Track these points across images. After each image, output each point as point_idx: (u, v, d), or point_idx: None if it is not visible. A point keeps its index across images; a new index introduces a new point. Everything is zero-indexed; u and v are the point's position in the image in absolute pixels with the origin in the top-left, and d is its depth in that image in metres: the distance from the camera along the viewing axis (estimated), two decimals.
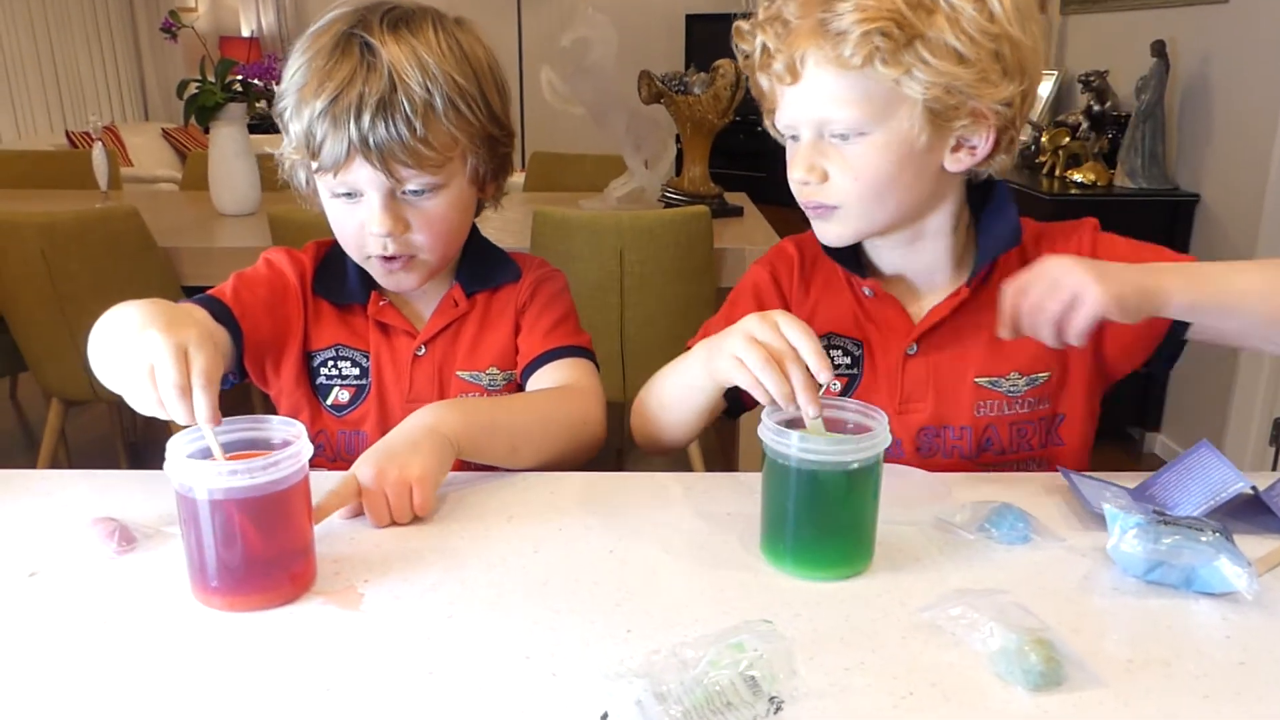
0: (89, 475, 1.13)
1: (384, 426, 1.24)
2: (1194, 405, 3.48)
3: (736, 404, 1.22)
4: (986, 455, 1.22)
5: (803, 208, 1.16)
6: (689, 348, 1.28)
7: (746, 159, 6.86)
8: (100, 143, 3.42)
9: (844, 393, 1.24)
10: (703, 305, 2.69)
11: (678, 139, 3.24)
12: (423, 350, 1.26)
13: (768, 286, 1.28)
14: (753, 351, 0.95)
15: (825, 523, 0.92)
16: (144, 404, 0.86)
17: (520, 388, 1.29)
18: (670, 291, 2.66)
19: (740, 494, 1.10)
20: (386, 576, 0.91)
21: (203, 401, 0.85)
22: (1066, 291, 0.97)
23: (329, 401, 1.25)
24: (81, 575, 0.91)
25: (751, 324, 0.97)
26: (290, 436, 0.89)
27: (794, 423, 0.95)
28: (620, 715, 0.71)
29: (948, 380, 1.21)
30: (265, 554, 0.85)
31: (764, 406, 0.95)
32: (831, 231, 1.15)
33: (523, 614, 0.86)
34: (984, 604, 0.83)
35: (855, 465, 0.89)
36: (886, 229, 1.15)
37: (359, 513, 1.01)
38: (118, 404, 3.36)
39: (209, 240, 2.91)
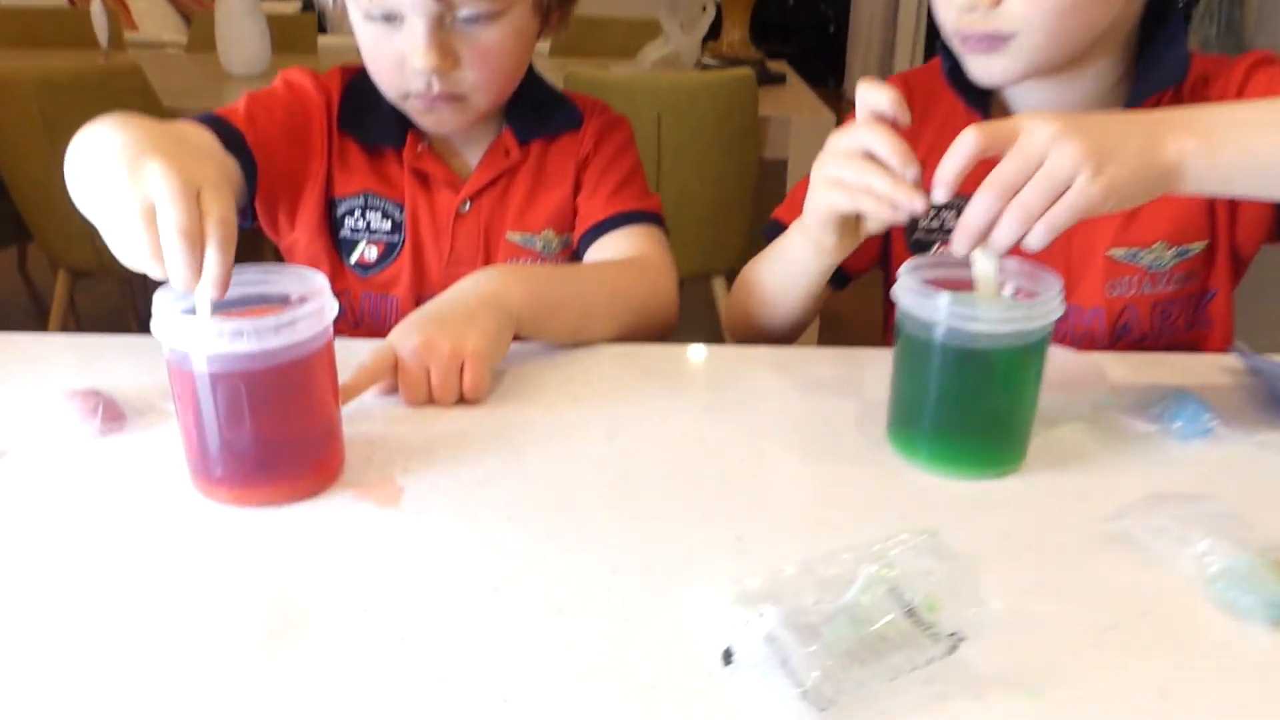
0: (74, 340, 0.96)
1: (418, 293, 1.06)
2: None
3: (840, 274, 1.03)
4: (1122, 343, 1.03)
5: (955, 43, 0.94)
6: (775, 218, 1.09)
7: (779, 31, 6.47)
8: None
9: None
10: (743, 178, 2.49)
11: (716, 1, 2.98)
12: (467, 206, 1.07)
13: None
14: (845, 164, 0.78)
15: (978, 407, 0.74)
16: (134, 254, 0.66)
17: (575, 257, 1.10)
18: (709, 162, 2.45)
19: (852, 370, 0.92)
20: (430, 467, 0.74)
21: (216, 262, 0.64)
22: (1052, 174, 0.69)
23: (353, 259, 1.06)
24: (56, 459, 0.74)
25: (832, 141, 0.80)
26: (310, 290, 0.70)
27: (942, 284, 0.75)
28: (747, 652, 0.54)
29: (1076, 252, 1.01)
30: (281, 436, 0.68)
31: (903, 265, 0.76)
32: (998, 67, 0.92)
33: (601, 516, 0.69)
34: (1190, 514, 0.66)
35: (1021, 337, 0.70)
36: (1062, 62, 0.93)
37: (392, 390, 0.84)
38: (128, 277, 3.21)
39: (217, 102, 2.62)
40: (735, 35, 2.99)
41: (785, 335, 1.04)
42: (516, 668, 0.55)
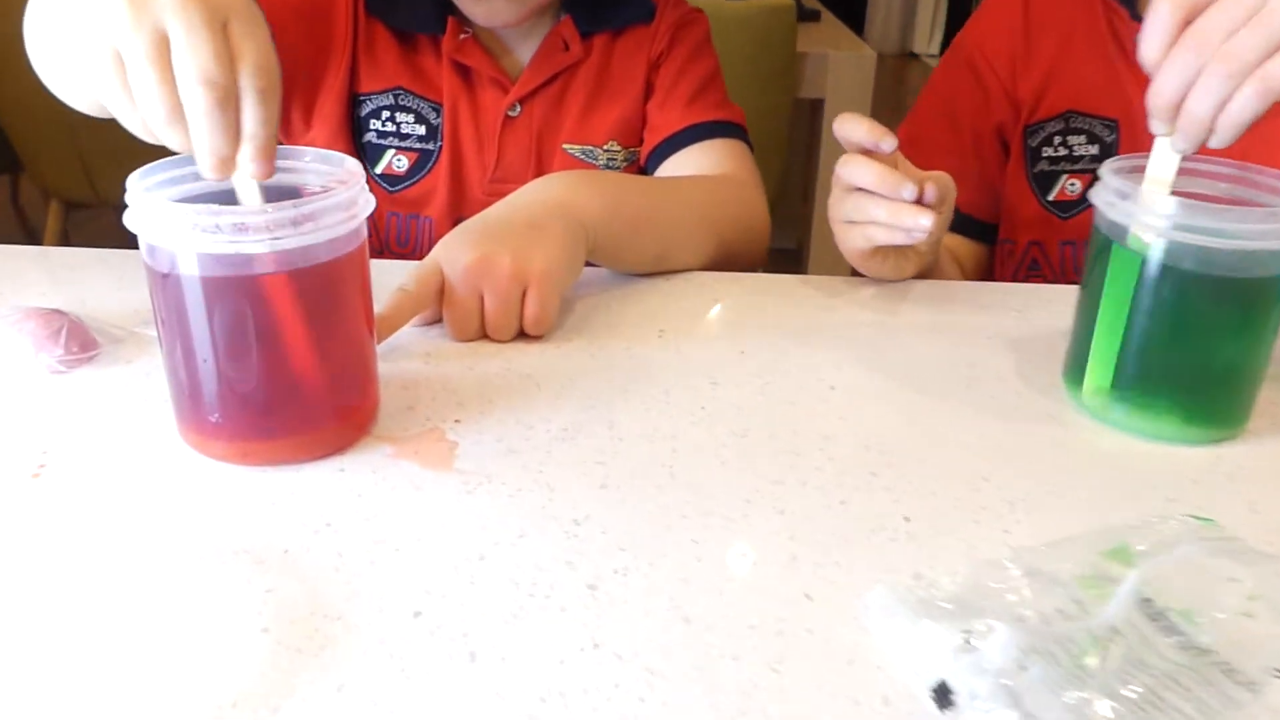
0: (41, 254, 0.79)
1: (456, 214, 0.89)
2: None
3: (983, 229, 0.91)
4: None
5: None
6: None
7: None
8: None
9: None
10: (778, 118, 2.35)
11: None
12: (517, 110, 0.89)
13: (966, 89, 0.93)
14: (845, 204, 0.73)
15: (1208, 351, 0.57)
16: (141, 116, 0.46)
17: (643, 174, 0.93)
18: (741, 99, 2.29)
19: (995, 304, 0.74)
20: (487, 416, 0.57)
21: (258, 123, 0.46)
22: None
23: (380, 169, 0.89)
24: (4, 398, 0.58)
25: (833, 183, 0.75)
26: (337, 177, 0.53)
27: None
28: (970, 691, 0.38)
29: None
30: (298, 372, 0.51)
31: (1105, 164, 0.58)
32: None
33: (720, 485, 0.52)
34: None
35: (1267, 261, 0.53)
36: None
37: (435, 320, 0.67)
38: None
39: None
40: None
41: None
42: (634, 713, 0.38)
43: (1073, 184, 0.89)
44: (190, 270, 0.47)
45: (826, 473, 0.53)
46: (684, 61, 0.93)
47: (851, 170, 0.71)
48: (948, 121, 0.94)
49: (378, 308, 0.59)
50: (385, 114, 0.87)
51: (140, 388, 0.59)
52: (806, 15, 2.88)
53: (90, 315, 0.64)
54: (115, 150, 2.39)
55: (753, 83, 2.30)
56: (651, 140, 0.91)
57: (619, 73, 0.92)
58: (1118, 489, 0.53)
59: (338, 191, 0.49)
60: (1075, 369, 0.61)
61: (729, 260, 0.82)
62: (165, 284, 0.49)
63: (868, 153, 0.70)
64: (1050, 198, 0.90)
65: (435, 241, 0.72)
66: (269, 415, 0.51)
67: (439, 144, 0.88)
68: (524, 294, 0.64)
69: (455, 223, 0.88)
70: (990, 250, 0.96)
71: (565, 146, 0.90)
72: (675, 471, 0.53)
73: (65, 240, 2.63)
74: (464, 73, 0.88)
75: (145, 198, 0.47)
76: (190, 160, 0.49)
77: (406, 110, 0.87)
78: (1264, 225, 0.52)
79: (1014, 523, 0.49)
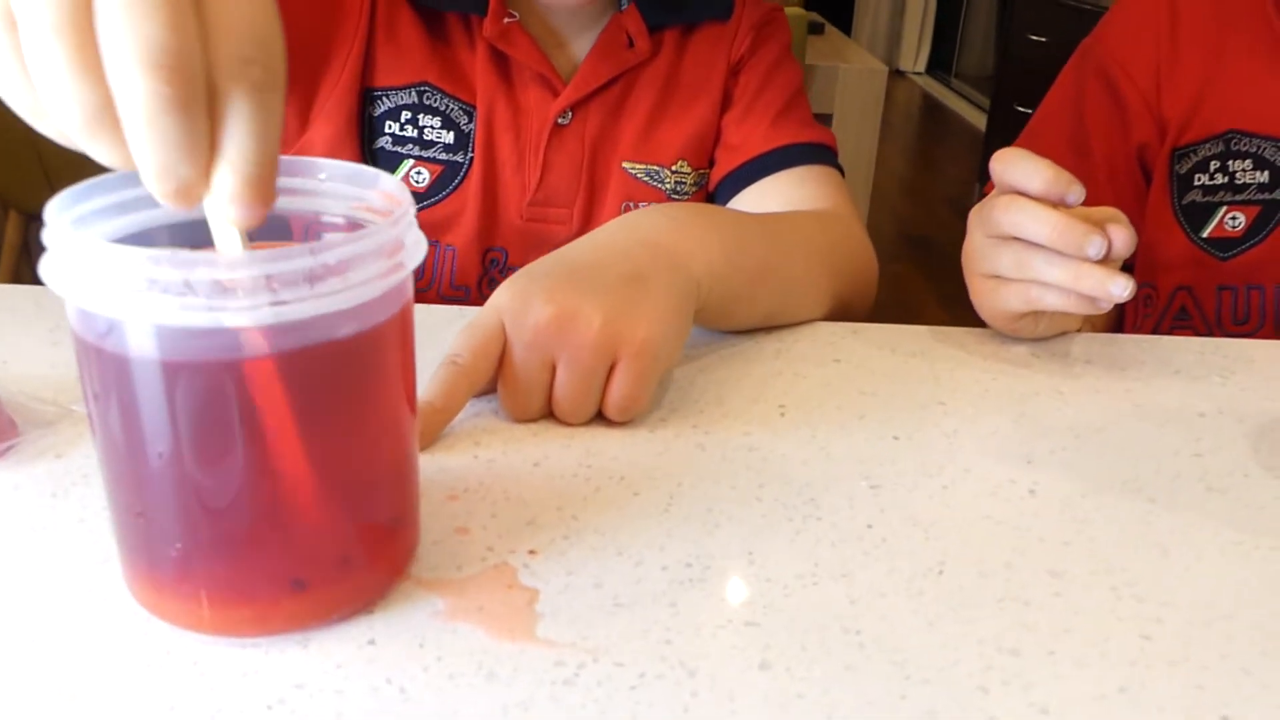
0: None
1: (486, 241, 0.72)
2: None
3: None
4: None
5: None
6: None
7: None
8: None
9: (1254, 235, 0.73)
10: None
11: None
12: (568, 117, 0.72)
13: (1099, 106, 0.77)
14: (998, 257, 0.57)
15: None
16: (43, 107, 0.28)
17: (711, 202, 0.76)
18: None
19: (1191, 365, 0.58)
20: (573, 542, 0.40)
21: (249, 133, 0.28)
22: None
23: None
24: None
25: (972, 225, 0.60)
26: (369, 205, 0.36)
27: None
28: None
29: None
30: (304, 494, 0.34)
31: None
32: None
33: (932, 656, 0.35)
34: None
35: None
36: None
37: (487, 390, 0.49)
38: None
39: None
40: None
41: None
42: None
43: (1234, 218, 0.73)
44: (143, 348, 0.30)
45: (1076, 632, 0.37)
46: (768, 69, 0.76)
47: (1016, 218, 0.54)
48: (1073, 145, 0.78)
49: (427, 358, 0.41)
50: (405, 115, 0.70)
51: (77, 497, 0.41)
52: (812, 28, 2.75)
53: (9, 384, 0.46)
54: (79, 157, 2.22)
55: None
56: (729, 162, 0.75)
57: (691, 78, 0.75)
58: None
59: (377, 229, 0.32)
60: None
61: (841, 314, 0.65)
62: (101, 349, 0.31)
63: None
64: (1204, 234, 0.74)
65: (461, 273, 0.56)
66: (257, 553, 0.34)
67: (470, 155, 0.71)
68: (611, 368, 0.47)
69: (484, 254, 0.71)
70: None
71: (626, 165, 0.73)
72: (863, 636, 0.36)
73: (27, 255, 2.44)
74: (504, 67, 0.71)
75: (70, 236, 0.30)
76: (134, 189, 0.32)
77: (432, 111, 0.70)
78: None
79: None
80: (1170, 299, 0.77)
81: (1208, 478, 0.47)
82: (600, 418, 0.49)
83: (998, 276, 0.57)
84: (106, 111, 0.26)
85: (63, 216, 0.32)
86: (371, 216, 0.36)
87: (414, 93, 0.69)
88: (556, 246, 0.74)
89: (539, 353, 0.46)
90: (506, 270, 0.74)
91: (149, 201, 0.34)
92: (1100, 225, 0.52)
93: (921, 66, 6.23)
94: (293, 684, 0.33)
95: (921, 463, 0.47)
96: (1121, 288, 0.52)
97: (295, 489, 0.33)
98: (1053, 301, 0.54)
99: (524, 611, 0.36)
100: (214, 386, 0.31)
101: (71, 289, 0.30)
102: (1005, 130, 3.57)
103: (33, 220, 2.44)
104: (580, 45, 0.73)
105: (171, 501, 0.32)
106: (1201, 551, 0.42)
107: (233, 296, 0.29)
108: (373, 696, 0.32)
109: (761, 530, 0.42)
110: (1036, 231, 0.53)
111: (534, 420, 0.49)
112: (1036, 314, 0.58)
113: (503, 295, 0.47)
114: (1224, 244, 0.74)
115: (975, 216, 0.58)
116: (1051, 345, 0.61)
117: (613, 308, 0.46)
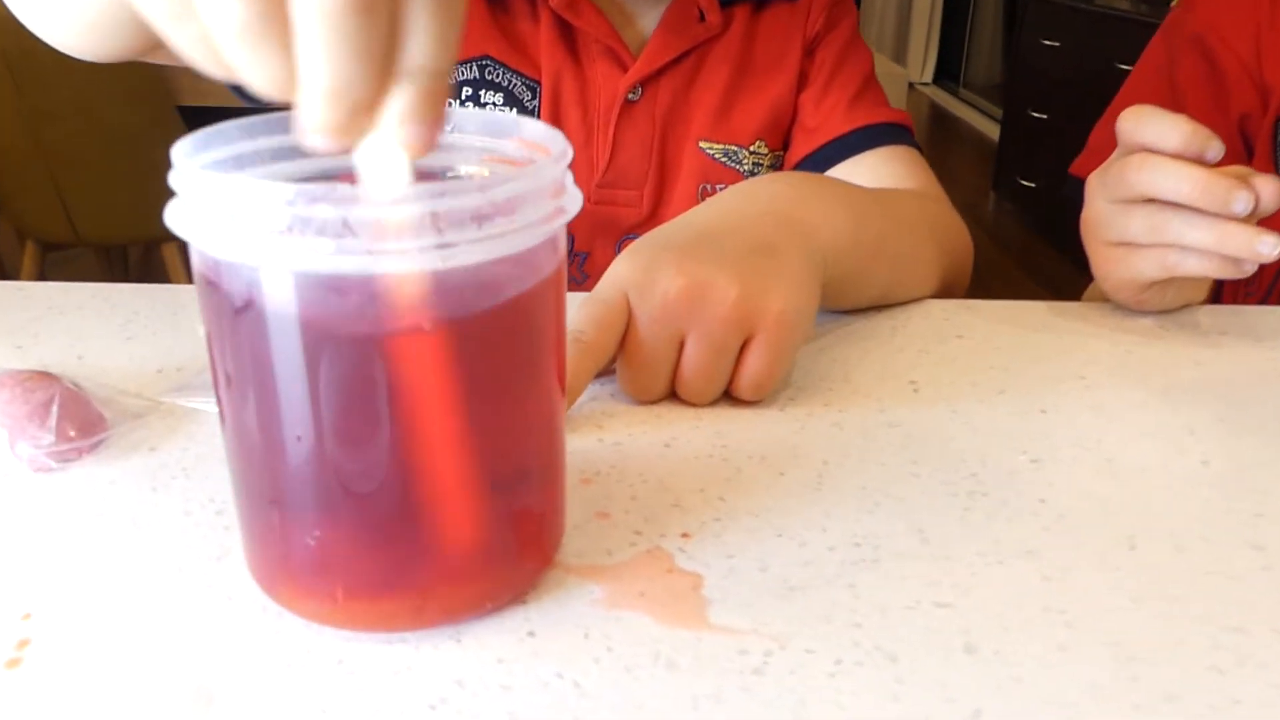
0: (18, 290, 0.57)
1: None
2: None
3: None
4: None
5: None
6: (1075, 174, 0.74)
7: None
8: None
9: None
10: None
11: None
12: (639, 92, 0.69)
13: (1195, 76, 0.74)
14: (1127, 221, 0.53)
15: None
16: (194, 18, 0.24)
17: None
18: None
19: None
20: (726, 524, 0.37)
21: (435, 37, 0.24)
22: None
23: None
24: None
25: (1093, 191, 0.56)
26: (512, 156, 0.33)
27: None
28: None
29: None
30: (458, 472, 0.30)
31: None
32: None
33: (1151, 646, 0.32)
34: None
35: None
36: None
37: (606, 370, 0.46)
38: (106, 249, 2.81)
39: None
40: None
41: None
42: None
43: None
44: (282, 301, 0.27)
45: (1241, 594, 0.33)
46: (843, 48, 0.74)
47: (1151, 176, 0.50)
48: None
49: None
50: (465, 91, 0.67)
51: (179, 490, 0.38)
52: None
53: (92, 378, 0.43)
54: (96, 187, 2.19)
55: None
56: (809, 143, 0.72)
57: (766, 53, 0.72)
58: None
59: (542, 165, 0.28)
60: None
61: (945, 294, 0.62)
62: (237, 324, 0.28)
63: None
64: None
65: None
66: (403, 541, 0.30)
67: None
68: (745, 344, 0.44)
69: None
70: None
71: (703, 145, 0.70)
72: (1068, 615, 0.32)
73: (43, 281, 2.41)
74: (570, 40, 0.68)
75: (207, 176, 0.27)
76: (279, 125, 0.29)
77: (494, 87, 0.67)
78: None
79: None
80: (1276, 279, 0.73)
81: None
82: (725, 398, 0.45)
83: (1127, 243, 0.53)
84: (276, 12, 0.23)
85: (193, 156, 0.28)
86: (510, 169, 0.33)
87: (475, 67, 0.66)
88: (626, 231, 0.71)
89: (668, 327, 0.43)
90: (574, 256, 0.71)
91: (282, 153, 0.31)
92: (1243, 179, 0.49)
93: (929, 77, 6.22)
94: (453, 680, 0.29)
95: (1078, 436, 0.44)
96: (1271, 246, 0.48)
97: (447, 471, 0.30)
98: (1192, 266, 0.51)
99: (690, 597, 0.33)
100: (362, 353, 0.28)
101: (205, 234, 0.27)
102: (1019, 136, 3.54)
103: (49, 250, 2.42)
104: (649, 19, 0.70)
105: (318, 503, 0.29)
106: None
107: (393, 239, 0.26)
108: (544, 691, 0.29)
109: (927, 508, 0.38)
110: (1175, 189, 0.49)
111: (657, 401, 0.45)
112: (1165, 283, 0.55)
113: (625, 266, 0.44)
114: None
115: (1096, 181, 0.55)
116: (1178, 317, 0.57)
117: (746, 280, 0.43)
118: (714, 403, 0.45)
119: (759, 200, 0.49)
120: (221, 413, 0.30)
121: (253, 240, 0.26)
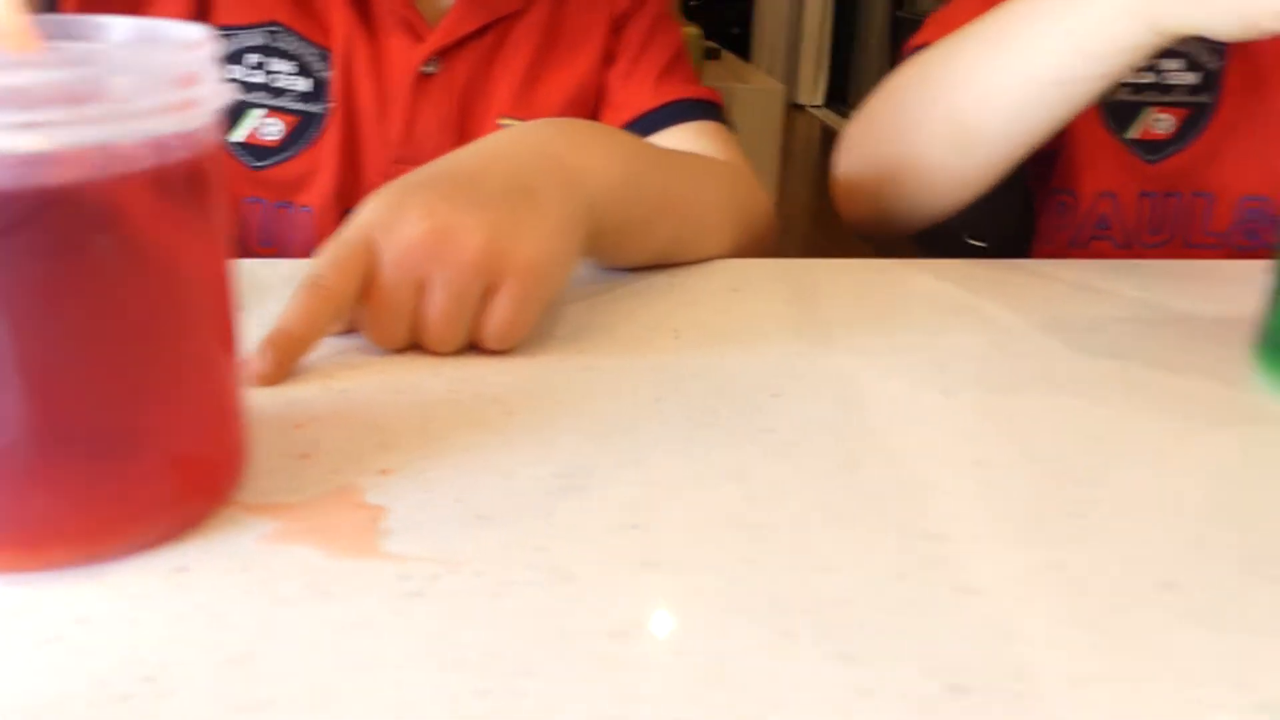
0: None
1: (345, 202, 0.66)
2: None
3: None
4: None
5: None
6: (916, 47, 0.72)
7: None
8: None
9: (1181, 139, 0.71)
10: None
11: None
12: (434, 66, 0.67)
13: None
14: None
15: None
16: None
17: None
18: None
19: (1108, 289, 0.55)
20: (435, 460, 0.35)
21: None
22: None
23: (241, 135, 0.65)
24: None
25: None
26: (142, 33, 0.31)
27: None
28: None
29: None
30: (93, 397, 0.28)
31: None
32: None
33: (843, 552, 0.31)
34: None
35: None
36: None
37: (347, 326, 0.44)
38: None
39: None
40: None
41: (956, 204, 0.62)
42: None
43: (1161, 119, 0.70)
44: None
45: (1007, 519, 0.33)
46: (651, 25, 0.73)
47: None
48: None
49: (272, 313, 0.36)
50: (253, 58, 0.64)
51: None
52: (707, 54, 2.78)
53: None
54: None
55: None
56: (616, 120, 0.71)
57: (571, 31, 0.71)
58: None
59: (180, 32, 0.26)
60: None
61: (742, 254, 0.61)
62: None
63: None
64: (1131, 135, 0.71)
65: (319, 238, 0.50)
66: (38, 464, 0.28)
67: (323, 106, 0.65)
68: (491, 292, 0.42)
69: (344, 215, 0.66)
70: (1025, 204, 0.75)
71: (502, 121, 0.68)
72: (764, 530, 0.31)
73: None
74: (363, 9, 0.66)
75: None
76: None
77: (284, 55, 0.64)
78: None
79: None
80: (1092, 207, 0.73)
81: (1126, 377, 0.44)
82: (472, 348, 0.44)
83: None
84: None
85: None
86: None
87: (264, 33, 0.64)
88: None
89: (410, 272, 0.41)
90: None
91: None
92: None
93: (820, 99, 6.35)
94: (73, 618, 0.27)
95: (828, 375, 0.43)
96: None
97: (76, 405, 0.27)
98: None
99: (367, 528, 0.31)
100: None
101: None
102: None
103: None
104: None
105: None
106: (1134, 440, 0.39)
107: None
108: (177, 624, 0.26)
109: (653, 439, 0.37)
110: None
111: (400, 349, 0.43)
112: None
113: (372, 207, 0.42)
114: (1151, 146, 0.71)
115: None
116: (953, 268, 0.58)
117: (496, 225, 0.41)
118: (461, 352, 0.43)
119: (527, 143, 0.47)
120: None
121: None
